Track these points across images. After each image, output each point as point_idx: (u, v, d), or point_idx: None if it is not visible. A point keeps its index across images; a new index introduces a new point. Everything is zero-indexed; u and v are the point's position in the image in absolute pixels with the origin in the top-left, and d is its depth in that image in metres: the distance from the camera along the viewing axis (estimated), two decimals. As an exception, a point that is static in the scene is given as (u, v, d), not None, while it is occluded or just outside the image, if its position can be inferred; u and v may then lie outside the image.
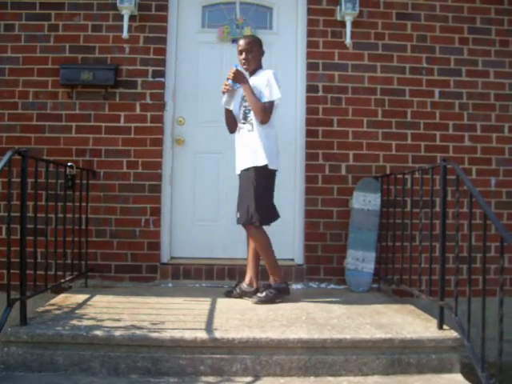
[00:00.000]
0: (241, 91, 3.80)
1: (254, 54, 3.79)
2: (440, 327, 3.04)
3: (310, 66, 4.55)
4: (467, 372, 2.96)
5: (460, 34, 4.62)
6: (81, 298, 3.72)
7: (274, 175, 3.76)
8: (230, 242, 4.46)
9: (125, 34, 4.36)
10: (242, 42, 3.82)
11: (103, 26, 4.45)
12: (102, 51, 4.45)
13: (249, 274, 3.89)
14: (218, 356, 2.79)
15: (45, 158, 4.02)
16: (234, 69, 3.71)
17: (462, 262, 3.16)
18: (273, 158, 3.69)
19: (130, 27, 4.39)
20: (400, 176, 4.07)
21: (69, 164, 4.00)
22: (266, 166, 3.65)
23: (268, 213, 3.73)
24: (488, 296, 2.79)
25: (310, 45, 4.55)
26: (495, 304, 2.67)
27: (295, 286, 4.39)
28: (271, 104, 3.67)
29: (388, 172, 4.45)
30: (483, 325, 2.73)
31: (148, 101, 4.45)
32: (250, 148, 3.70)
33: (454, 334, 2.94)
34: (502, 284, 2.59)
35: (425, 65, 4.59)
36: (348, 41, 4.48)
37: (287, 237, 4.59)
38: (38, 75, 4.42)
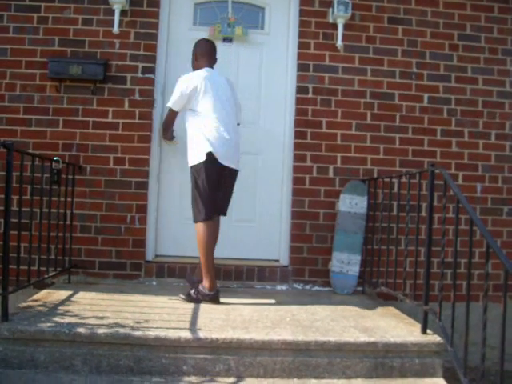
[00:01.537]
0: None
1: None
2: (424, 332, 3.06)
3: (301, 68, 4.55)
4: (449, 376, 2.99)
5: (450, 40, 4.65)
6: (64, 294, 3.68)
7: (213, 168, 3.68)
8: (216, 241, 4.44)
9: (115, 29, 4.32)
10: None
11: (94, 20, 4.41)
12: (91, 45, 4.41)
13: None
14: (202, 356, 2.78)
15: (31, 151, 3.97)
16: None
17: (446, 267, 3.16)
18: (205, 151, 3.67)
19: (120, 22, 4.36)
20: (387, 180, 4.09)
21: (55, 158, 3.96)
22: (195, 164, 3.72)
23: (208, 208, 3.69)
24: (471, 301, 2.81)
25: (302, 46, 4.55)
26: (478, 309, 2.70)
27: (280, 287, 4.40)
28: (169, 110, 3.95)
29: (375, 175, 4.47)
30: (467, 330, 2.74)
31: (137, 97, 4.42)
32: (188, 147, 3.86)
33: (437, 338, 2.96)
34: (486, 290, 2.60)
35: (415, 70, 4.61)
36: (339, 43, 4.48)
37: (273, 238, 4.60)
38: (25, 68, 4.36)
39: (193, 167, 3.75)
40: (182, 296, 3.72)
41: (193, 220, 3.75)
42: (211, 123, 3.71)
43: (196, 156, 3.72)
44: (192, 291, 3.70)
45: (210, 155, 3.66)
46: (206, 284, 3.66)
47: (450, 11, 4.65)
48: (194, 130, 3.77)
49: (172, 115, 3.97)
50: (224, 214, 3.95)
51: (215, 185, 3.71)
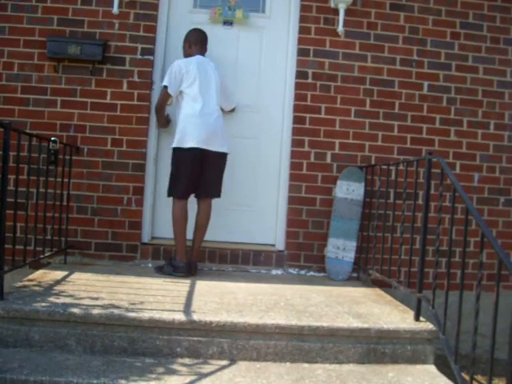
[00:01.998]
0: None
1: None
2: (417, 319, 3.08)
3: (301, 52, 4.52)
4: (440, 363, 3.02)
5: (452, 28, 4.62)
6: (59, 274, 3.70)
7: (188, 153, 3.91)
8: (212, 224, 4.43)
9: (115, 10, 4.29)
10: None
11: (93, -1, 4.37)
12: (90, 26, 4.37)
13: None
14: (195, 338, 2.80)
15: (28, 131, 3.95)
16: None
17: (441, 255, 3.18)
18: (179, 139, 3.93)
19: (120, 2, 4.32)
20: (385, 167, 4.09)
21: (52, 139, 3.94)
22: (175, 148, 3.98)
23: (179, 188, 3.97)
24: (465, 290, 2.83)
25: (302, 31, 4.52)
26: (471, 298, 2.72)
27: (275, 272, 4.42)
28: (162, 91, 4.10)
29: (373, 162, 4.47)
30: (459, 318, 2.77)
31: (136, 79, 4.39)
32: None
33: (429, 326, 2.98)
34: (480, 279, 2.62)
35: (415, 57, 4.59)
36: (340, 29, 4.45)
37: (269, 222, 4.60)
38: (24, 47, 4.32)
39: (172, 148, 4.01)
40: (156, 269, 4.05)
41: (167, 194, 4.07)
42: (193, 108, 3.95)
43: (175, 139, 3.97)
44: (165, 265, 4.02)
45: (186, 142, 3.90)
46: (177, 257, 3.97)
47: (452, -2, 4.63)
48: (178, 114, 4.04)
49: (165, 96, 4.09)
50: (212, 195, 4.11)
51: (190, 169, 3.93)
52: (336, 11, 4.47)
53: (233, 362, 2.77)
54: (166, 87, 4.00)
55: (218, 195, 4.13)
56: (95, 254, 4.33)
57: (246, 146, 4.56)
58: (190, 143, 3.89)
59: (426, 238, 3.14)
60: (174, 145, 3.96)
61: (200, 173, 3.98)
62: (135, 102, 4.39)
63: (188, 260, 3.98)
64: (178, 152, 3.95)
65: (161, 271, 4.00)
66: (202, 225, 4.08)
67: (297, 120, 4.51)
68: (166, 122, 4.33)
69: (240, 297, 3.38)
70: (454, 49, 4.63)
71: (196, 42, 4.15)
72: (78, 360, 2.63)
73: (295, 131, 4.51)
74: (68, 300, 2.97)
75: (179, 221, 3.95)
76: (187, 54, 4.15)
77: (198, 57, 4.08)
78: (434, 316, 3.01)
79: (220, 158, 4.05)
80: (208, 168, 4.00)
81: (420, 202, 3.38)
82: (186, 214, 3.99)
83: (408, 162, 3.64)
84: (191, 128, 3.91)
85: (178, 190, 3.96)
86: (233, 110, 4.48)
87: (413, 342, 2.94)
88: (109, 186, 4.36)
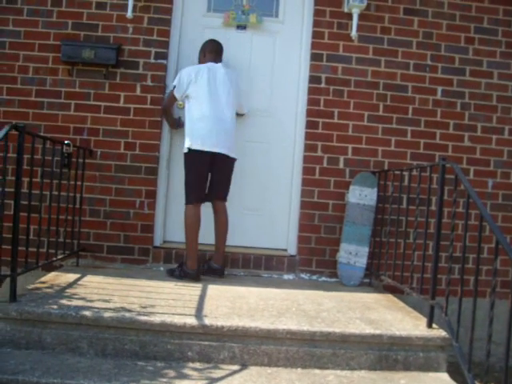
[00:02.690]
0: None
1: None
2: (429, 326, 3.05)
3: (314, 57, 4.51)
4: (453, 371, 2.99)
5: (466, 33, 4.59)
6: (72, 277, 3.71)
7: (198, 156, 3.92)
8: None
9: (129, 14, 4.31)
10: None
11: (107, 4, 4.39)
12: (104, 30, 4.40)
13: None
14: (207, 343, 2.79)
15: (42, 134, 3.98)
16: None
17: (454, 261, 3.15)
18: (190, 141, 3.94)
19: (134, 7, 4.34)
20: (398, 172, 4.07)
21: (66, 142, 3.96)
22: (186, 153, 3.97)
23: (193, 193, 3.95)
24: (478, 297, 2.80)
25: (316, 35, 4.51)
26: (485, 305, 2.69)
27: (287, 277, 4.40)
28: (170, 92, 4.14)
29: (386, 168, 4.44)
30: (473, 326, 2.74)
31: (149, 82, 4.41)
32: None
33: (442, 333, 2.95)
34: (494, 286, 2.59)
35: (429, 62, 4.56)
36: (354, 33, 4.44)
37: (282, 227, 4.59)
38: (38, 50, 4.36)
39: (184, 153, 3.98)
40: (168, 272, 4.09)
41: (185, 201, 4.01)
42: (201, 112, 3.95)
43: (185, 143, 3.97)
44: (176, 269, 4.02)
45: (195, 144, 3.91)
46: (188, 263, 3.94)
47: (467, 3, 4.59)
48: (187, 118, 4.02)
49: (171, 99, 4.13)
50: (221, 198, 4.11)
51: (201, 172, 3.95)
52: (349, 16, 4.46)
53: (244, 366, 2.76)
54: (174, 88, 4.03)
55: (226, 199, 4.14)
56: (107, 257, 4.35)
57: (258, 150, 4.56)
58: (199, 146, 3.90)
59: (440, 244, 3.12)
60: (185, 150, 3.96)
61: (209, 175, 4.01)
62: (148, 106, 4.40)
63: (196, 269, 3.95)
64: (188, 156, 3.95)
65: (172, 275, 4.01)
66: (223, 230, 4.10)
67: (309, 125, 4.50)
68: (177, 125, 4.35)
69: (251, 301, 3.37)
70: (469, 54, 4.60)
71: (211, 52, 4.15)
72: (90, 363, 2.64)
73: (308, 136, 4.50)
74: (80, 303, 2.98)
75: (191, 227, 3.93)
76: (201, 63, 4.15)
77: (210, 63, 4.08)
78: (447, 323, 2.98)
79: (229, 162, 4.09)
80: (217, 170, 4.03)
81: (433, 207, 3.35)
82: (199, 219, 3.97)
83: (421, 167, 3.62)
84: (200, 132, 3.92)
85: (194, 195, 3.95)
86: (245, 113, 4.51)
87: (425, 349, 2.91)
88: (121, 189, 4.38)
